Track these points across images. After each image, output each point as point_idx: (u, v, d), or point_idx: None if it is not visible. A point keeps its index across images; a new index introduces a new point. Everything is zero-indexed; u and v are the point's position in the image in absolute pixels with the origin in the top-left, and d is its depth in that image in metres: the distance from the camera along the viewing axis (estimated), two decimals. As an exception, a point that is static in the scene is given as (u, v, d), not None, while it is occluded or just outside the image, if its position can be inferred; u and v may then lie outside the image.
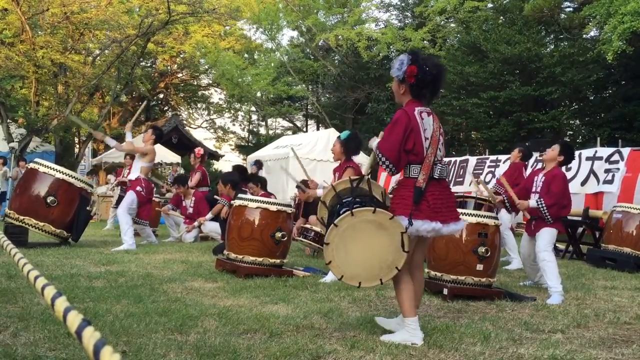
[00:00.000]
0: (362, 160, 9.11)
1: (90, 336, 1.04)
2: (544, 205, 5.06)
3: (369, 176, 3.49)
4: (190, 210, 9.42)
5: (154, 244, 8.24)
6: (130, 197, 7.62)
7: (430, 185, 3.23)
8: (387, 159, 3.18)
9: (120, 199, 9.27)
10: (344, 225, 3.07)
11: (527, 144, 8.39)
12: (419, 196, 3.18)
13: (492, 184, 8.04)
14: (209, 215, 8.69)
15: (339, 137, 5.61)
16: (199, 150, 10.33)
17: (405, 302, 3.21)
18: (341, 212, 3.15)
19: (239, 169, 8.95)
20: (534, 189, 5.37)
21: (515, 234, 7.89)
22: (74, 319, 1.13)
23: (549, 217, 5.05)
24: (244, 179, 8.04)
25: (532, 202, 5.18)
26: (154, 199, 10.43)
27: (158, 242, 8.49)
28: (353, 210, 3.07)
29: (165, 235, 9.83)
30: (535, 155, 11.35)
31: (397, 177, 3.52)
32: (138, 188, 7.64)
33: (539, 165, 10.94)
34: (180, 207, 9.70)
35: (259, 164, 11.84)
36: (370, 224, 3.09)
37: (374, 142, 3.35)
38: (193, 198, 9.46)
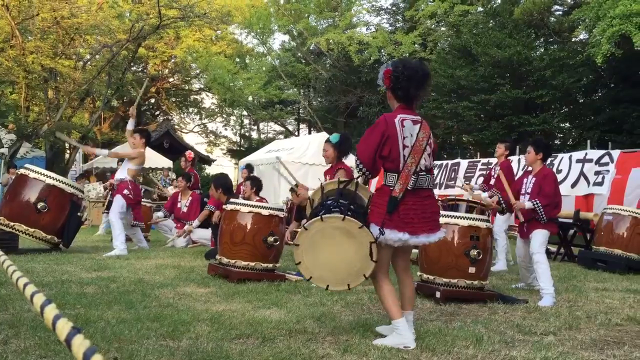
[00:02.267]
0: (353, 162, 9.10)
1: (80, 344, 1.04)
2: (540, 206, 5.10)
3: (359, 179, 3.46)
4: (185, 209, 9.41)
5: (145, 249, 8.20)
6: (119, 201, 7.53)
7: (406, 197, 3.21)
8: (362, 162, 3.22)
9: (110, 203, 9.21)
10: (313, 229, 3.16)
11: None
12: (393, 206, 3.18)
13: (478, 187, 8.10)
14: (196, 222, 8.63)
15: (328, 141, 5.57)
16: (189, 154, 10.32)
17: (390, 305, 3.22)
18: (319, 214, 3.20)
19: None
20: (523, 191, 5.40)
21: (507, 236, 7.90)
22: (64, 327, 1.12)
23: (544, 217, 5.09)
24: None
25: (528, 203, 5.21)
26: (146, 204, 10.39)
27: (149, 247, 8.44)
28: (323, 216, 3.14)
29: (157, 241, 9.79)
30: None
31: None
32: (125, 191, 7.54)
33: (530, 168, 10.99)
34: (174, 209, 9.65)
35: (250, 168, 11.83)
36: (339, 230, 3.14)
37: None
38: (190, 198, 9.45)
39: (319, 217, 3.14)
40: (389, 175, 3.25)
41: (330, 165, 5.57)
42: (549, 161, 8.66)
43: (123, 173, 7.70)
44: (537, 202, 5.13)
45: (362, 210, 3.28)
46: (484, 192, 7.28)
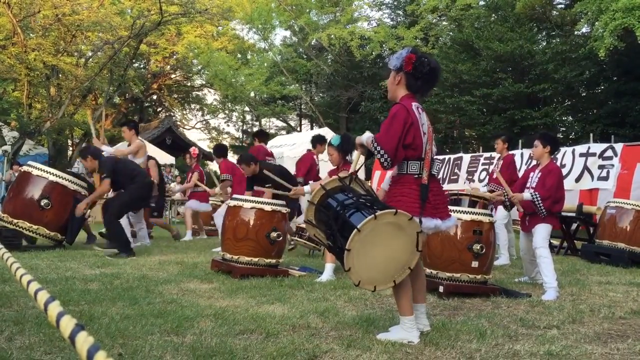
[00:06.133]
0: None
1: (84, 341, 1.04)
2: (538, 198, 5.09)
3: (357, 174, 3.39)
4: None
5: (146, 245, 8.20)
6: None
7: (430, 183, 3.25)
8: (386, 152, 3.11)
9: None
10: (367, 229, 2.89)
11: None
12: (426, 194, 3.19)
13: (485, 182, 8.09)
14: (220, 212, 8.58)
15: (330, 144, 5.59)
16: (194, 150, 10.34)
17: (404, 301, 3.19)
18: (348, 215, 3.03)
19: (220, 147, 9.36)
20: (528, 184, 5.39)
21: (512, 230, 7.90)
22: (67, 324, 1.12)
23: (543, 210, 5.07)
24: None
25: (527, 194, 5.20)
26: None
27: (150, 244, 8.44)
28: (377, 214, 2.91)
29: (160, 237, 9.80)
30: (529, 152, 11.39)
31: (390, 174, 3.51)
32: None
33: (534, 162, 10.97)
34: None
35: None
36: (391, 226, 2.96)
37: (364, 137, 3.30)
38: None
39: (373, 215, 2.89)
40: (412, 164, 3.22)
41: (337, 167, 5.59)
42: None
43: None
44: (537, 194, 5.12)
45: (380, 203, 3.19)
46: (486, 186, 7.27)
